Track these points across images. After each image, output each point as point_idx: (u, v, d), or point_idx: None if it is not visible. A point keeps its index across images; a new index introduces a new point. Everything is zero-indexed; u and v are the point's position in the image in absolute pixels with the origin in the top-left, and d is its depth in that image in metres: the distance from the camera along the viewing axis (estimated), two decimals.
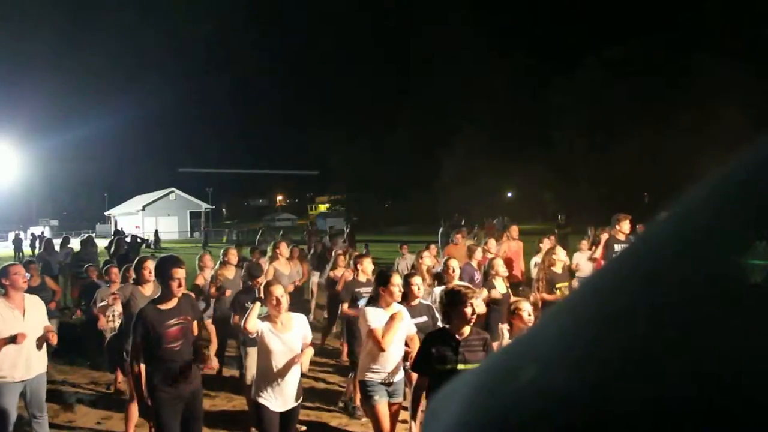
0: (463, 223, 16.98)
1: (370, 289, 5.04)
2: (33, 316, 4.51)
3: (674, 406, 0.24)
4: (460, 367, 3.43)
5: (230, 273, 7.01)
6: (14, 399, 4.41)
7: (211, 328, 6.95)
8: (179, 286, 3.83)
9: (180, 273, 3.85)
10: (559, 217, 17.41)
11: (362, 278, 5.93)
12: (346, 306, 5.98)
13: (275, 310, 3.92)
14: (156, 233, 38.13)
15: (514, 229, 9.63)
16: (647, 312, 0.26)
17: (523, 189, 51.43)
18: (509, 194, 55.19)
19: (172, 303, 3.87)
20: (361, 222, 50.94)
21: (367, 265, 5.97)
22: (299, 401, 4.06)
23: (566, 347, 0.28)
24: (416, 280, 4.68)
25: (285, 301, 3.96)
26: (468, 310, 3.55)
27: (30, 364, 4.44)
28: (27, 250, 27.92)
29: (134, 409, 4.99)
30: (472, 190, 47.93)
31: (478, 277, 6.68)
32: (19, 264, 4.83)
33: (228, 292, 6.73)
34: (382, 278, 4.21)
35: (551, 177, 44.65)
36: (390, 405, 4.10)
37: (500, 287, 5.79)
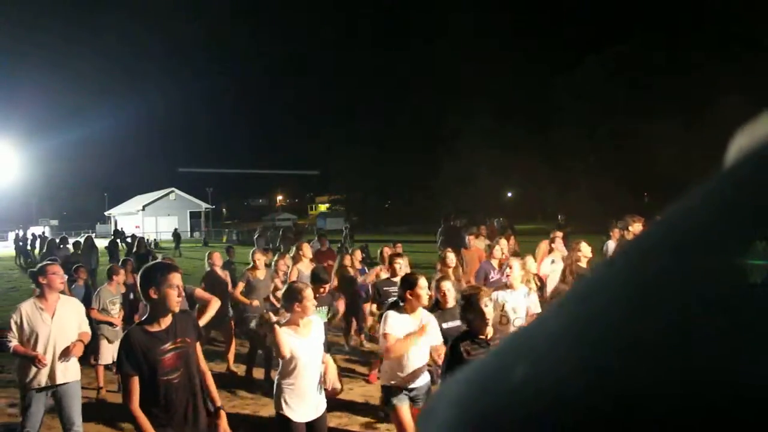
0: (459, 224, 16.94)
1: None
2: (63, 319, 4.33)
3: (670, 406, 0.24)
4: None
5: (261, 274, 7.19)
6: (39, 407, 4.30)
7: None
8: (178, 296, 3.09)
9: (178, 279, 3.10)
10: (559, 217, 17.44)
11: (395, 278, 5.75)
12: (374, 306, 5.92)
13: (303, 313, 3.67)
14: (175, 232, 36.99)
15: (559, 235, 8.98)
16: (643, 313, 0.26)
17: (523, 189, 51.45)
18: (509, 194, 55.20)
19: (166, 322, 3.10)
20: (361, 222, 50.96)
21: (397, 266, 5.76)
22: (325, 409, 3.83)
23: (560, 347, 0.28)
24: (446, 284, 4.48)
25: (313, 306, 3.77)
26: (485, 310, 3.49)
27: (55, 370, 4.27)
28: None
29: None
30: (472, 190, 47.95)
31: (494, 275, 6.69)
32: (57, 264, 4.68)
33: (255, 302, 6.93)
34: (408, 282, 4.02)
35: (551, 177, 44.63)
36: (415, 411, 3.99)
37: (532, 285, 5.76)
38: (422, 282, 3.98)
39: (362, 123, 65.03)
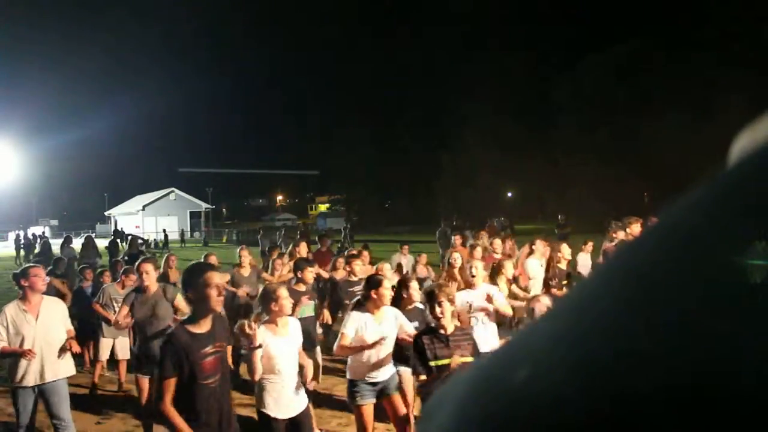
0: (455, 223, 17.00)
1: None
2: (48, 320, 4.43)
3: (670, 407, 0.24)
4: (455, 360, 3.61)
5: (246, 271, 7.25)
6: (28, 404, 4.38)
7: None
8: (219, 295, 3.02)
9: (218, 278, 3.04)
10: (559, 217, 17.44)
11: (354, 277, 6.11)
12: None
13: (281, 312, 3.81)
14: (164, 232, 36.91)
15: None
16: (642, 313, 0.26)
17: (524, 189, 51.46)
18: (509, 194, 55.21)
19: (207, 324, 3.03)
20: (361, 222, 51.04)
21: (358, 265, 6.10)
22: (306, 406, 3.95)
23: (559, 348, 0.28)
24: (414, 284, 4.71)
25: (289, 304, 3.90)
26: (441, 308, 3.70)
27: (43, 369, 4.36)
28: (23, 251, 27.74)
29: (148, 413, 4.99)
30: (473, 190, 47.97)
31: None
32: (39, 266, 4.79)
33: (241, 291, 6.93)
34: (372, 282, 4.19)
35: (551, 177, 44.65)
36: (391, 398, 4.20)
37: (503, 288, 5.84)
38: (386, 283, 4.18)
39: (362, 123, 64.95)
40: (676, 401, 0.24)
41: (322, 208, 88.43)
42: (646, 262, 0.29)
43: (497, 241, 8.04)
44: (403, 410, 4.26)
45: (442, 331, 3.71)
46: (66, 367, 4.54)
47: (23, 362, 4.29)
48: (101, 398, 6.31)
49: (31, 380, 4.33)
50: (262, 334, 3.73)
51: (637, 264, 0.29)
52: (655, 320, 0.26)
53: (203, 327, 3.00)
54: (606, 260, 0.34)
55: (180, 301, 5.32)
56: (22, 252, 26.07)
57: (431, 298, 3.80)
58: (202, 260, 3.75)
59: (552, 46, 61.81)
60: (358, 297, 4.51)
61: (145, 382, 5.02)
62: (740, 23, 37.08)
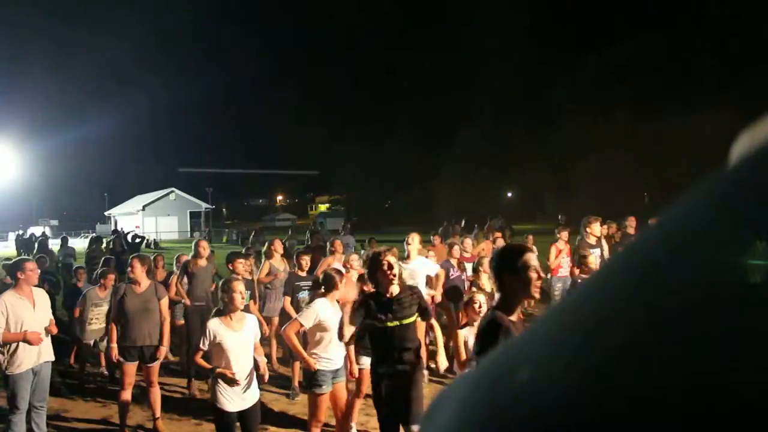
0: (462, 224, 17.06)
1: (309, 283, 5.73)
2: (41, 308, 4.81)
3: (669, 406, 0.24)
4: (395, 323, 3.79)
5: (203, 263, 6.79)
6: (28, 387, 4.67)
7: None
8: (539, 278, 2.54)
9: (536, 260, 2.60)
10: (560, 217, 17.43)
11: (302, 273, 6.35)
12: (288, 300, 6.17)
13: (233, 306, 3.94)
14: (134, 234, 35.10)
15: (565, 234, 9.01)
16: (643, 313, 0.27)
17: (523, 189, 51.50)
18: (509, 194, 55.23)
19: (518, 312, 2.58)
20: (361, 222, 51.04)
21: (304, 262, 6.46)
22: (258, 399, 4.11)
23: (561, 348, 0.28)
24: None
25: (243, 298, 4.06)
26: (384, 268, 3.81)
27: (40, 352, 4.73)
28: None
29: (125, 397, 5.13)
30: (473, 190, 48.00)
31: (453, 272, 7.39)
32: (33, 260, 5.08)
33: (187, 302, 6.52)
34: (329, 281, 4.33)
35: (551, 177, 44.67)
36: (338, 385, 4.38)
37: (486, 283, 6.18)
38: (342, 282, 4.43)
39: (362, 123, 65.03)
40: (675, 399, 0.24)
41: (322, 208, 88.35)
42: (646, 261, 0.29)
43: (467, 241, 8.50)
44: (345, 397, 4.48)
45: (388, 296, 3.81)
46: (50, 352, 4.88)
47: (22, 347, 4.59)
48: (100, 395, 6.32)
49: (29, 364, 4.66)
50: (216, 326, 3.88)
51: (637, 264, 0.29)
52: (655, 320, 0.26)
53: (514, 315, 2.52)
54: (608, 260, 0.33)
55: (165, 303, 5.30)
56: (22, 252, 26.10)
57: (375, 262, 3.87)
58: (516, 244, 3.11)
59: (552, 45, 61.81)
60: (303, 291, 4.79)
61: (129, 368, 5.12)
62: (740, 23, 37.09)
